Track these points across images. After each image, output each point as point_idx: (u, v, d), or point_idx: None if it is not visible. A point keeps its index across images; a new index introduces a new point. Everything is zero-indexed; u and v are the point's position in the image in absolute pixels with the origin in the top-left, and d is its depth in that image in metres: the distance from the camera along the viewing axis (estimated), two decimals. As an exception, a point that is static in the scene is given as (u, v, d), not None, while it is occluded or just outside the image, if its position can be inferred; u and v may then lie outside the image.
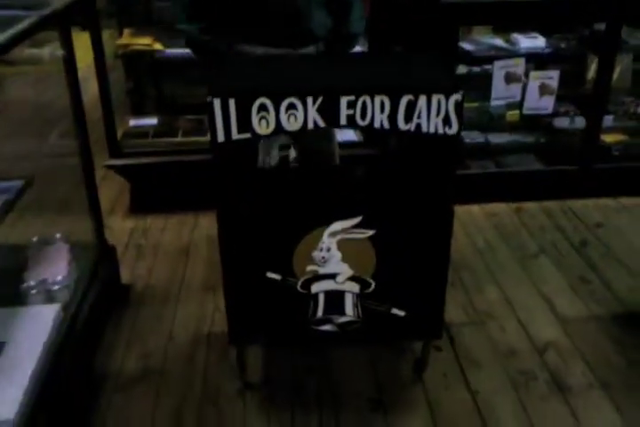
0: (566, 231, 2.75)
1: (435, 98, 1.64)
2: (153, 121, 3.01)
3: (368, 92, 1.63)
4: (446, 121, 1.66)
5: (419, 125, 1.67)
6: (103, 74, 2.66)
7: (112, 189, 3.03)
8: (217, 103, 1.61)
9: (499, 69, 2.61)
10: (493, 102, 2.72)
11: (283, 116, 1.64)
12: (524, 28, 2.77)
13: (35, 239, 2.17)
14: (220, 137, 1.65)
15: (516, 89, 2.68)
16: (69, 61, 2.09)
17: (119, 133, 2.86)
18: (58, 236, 2.18)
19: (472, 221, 2.81)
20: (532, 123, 3.01)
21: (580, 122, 2.90)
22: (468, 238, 2.68)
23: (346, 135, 2.84)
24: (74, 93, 2.15)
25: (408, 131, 1.67)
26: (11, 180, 2.14)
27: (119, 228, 2.76)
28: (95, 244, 2.27)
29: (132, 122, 2.99)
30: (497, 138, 3.04)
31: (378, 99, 1.64)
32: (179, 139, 2.88)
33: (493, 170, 2.91)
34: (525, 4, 2.49)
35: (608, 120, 2.92)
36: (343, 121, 1.67)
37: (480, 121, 2.85)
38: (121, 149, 2.80)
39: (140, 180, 2.88)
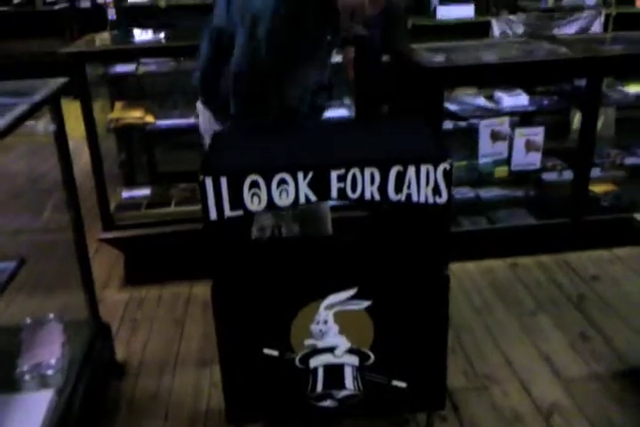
0: (563, 286, 2.73)
1: (423, 168, 1.66)
2: (146, 192, 3.03)
3: (358, 165, 1.65)
4: (436, 190, 1.68)
5: (409, 196, 1.69)
6: (95, 147, 2.69)
7: (106, 261, 3.01)
8: (209, 182, 1.63)
9: (484, 128, 2.66)
10: (481, 160, 2.76)
11: (274, 192, 1.65)
12: (507, 86, 2.84)
13: (28, 320, 2.14)
14: (213, 215, 1.66)
15: (502, 146, 2.73)
16: (60, 137, 2.12)
17: (112, 206, 2.86)
18: (51, 316, 2.15)
19: (468, 278, 2.80)
20: (521, 177, 3.04)
21: (569, 174, 2.93)
22: (465, 297, 2.66)
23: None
24: (66, 170, 2.17)
25: (399, 201, 1.69)
26: (3, 261, 2.15)
27: (114, 300, 2.73)
28: (89, 322, 2.24)
29: (125, 194, 3.01)
30: (487, 193, 3.07)
31: (368, 171, 1.66)
32: (172, 209, 2.90)
33: (486, 226, 2.93)
34: (507, 66, 2.55)
35: (595, 171, 2.95)
36: (334, 194, 1.68)
37: (469, 178, 2.88)
38: (114, 222, 2.80)
39: (133, 251, 2.88)
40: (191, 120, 2.88)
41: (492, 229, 2.91)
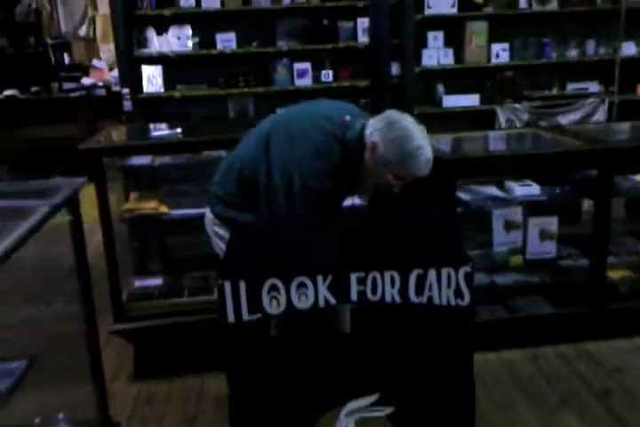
0: (586, 378, 2.65)
1: (444, 271, 1.66)
2: (158, 281, 3.01)
3: (377, 268, 1.65)
4: (458, 293, 1.67)
5: (430, 298, 1.67)
6: (109, 238, 2.70)
7: (116, 352, 2.94)
8: (227, 286, 1.62)
9: (497, 217, 2.67)
10: (496, 249, 2.75)
11: (293, 296, 1.64)
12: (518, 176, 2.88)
13: (37, 421, 2.08)
14: (231, 318, 1.64)
15: (516, 235, 2.73)
16: (76, 229, 2.13)
17: (124, 295, 2.84)
18: (60, 416, 2.09)
19: (489, 370, 2.71)
20: (537, 263, 3.01)
21: (585, 259, 2.91)
22: (486, 391, 2.57)
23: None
24: (81, 267, 2.18)
25: (420, 304, 1.67)
26: (13, 359, 2.12)
27: (123, 395, 2.64)
28: (99, 421, 2.17)
29: (138, 283, 2.99)
30: (503, 278, 3.03)
31: (388, 274, 1.65)
32: (184, 299, 2.86)
33: (504, 315, 2.87)
34: (518, 158, 2.60)
35: (610, 258, 2.93)
36: (354, 297, 1.67)
37: (484, 265, 2.86)
38: (126, 313, 2.76)
39: (144, 343, 2.82)
40: (205, 210, 2.89)
41: (511, 318, 2.85)
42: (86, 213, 2.54)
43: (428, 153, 1.94)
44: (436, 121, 4.32)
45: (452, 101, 4.27)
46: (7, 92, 5.87)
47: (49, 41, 6.28)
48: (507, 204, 2.73)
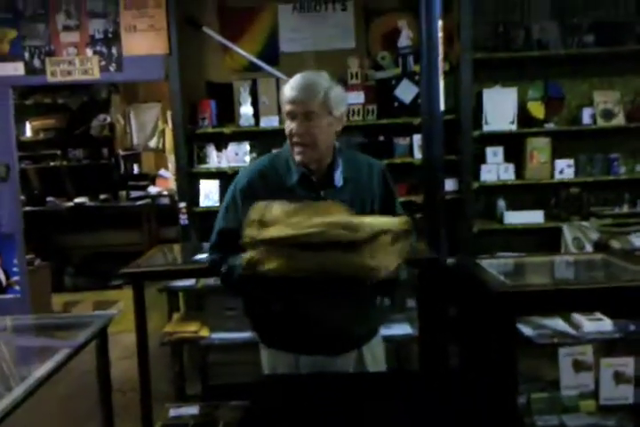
0: None
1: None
2: (194, 410, 2.82)
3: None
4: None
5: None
6: (145, 365, 2.59)
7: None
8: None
9: (565, 357, 2.39)
10: (564, 392, 2.44)
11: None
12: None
13: None
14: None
15: (587, 377, 2.42)
16: (101, 368, 2.03)
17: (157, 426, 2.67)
18: None
19: None
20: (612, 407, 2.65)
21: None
22: None
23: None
24: (104, 403, 2.05)
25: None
26: None
27: None
28: None
29: (173, 412, 2.81)
30: (573, 420, 2.68)
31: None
32: (218, 434, 2.66)
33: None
34: (589, 291, 2.35)
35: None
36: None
37: (551, 410, 2.53)
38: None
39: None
40: (246, 334, 2.77)
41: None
42: (130, 320, 2.48)
43: (297, 79, 1.91)
44: (498, 238, 4.15)
45: (514, 218, 4.09)
46: (77, 200, 6.13)
47: (121, 152, 6.62)
48: (575, 341, 2.46)
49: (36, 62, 4.33)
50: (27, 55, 4.32)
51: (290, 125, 1.89)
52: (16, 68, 4.32)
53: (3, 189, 4.39)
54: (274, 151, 2.17)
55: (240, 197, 1.93)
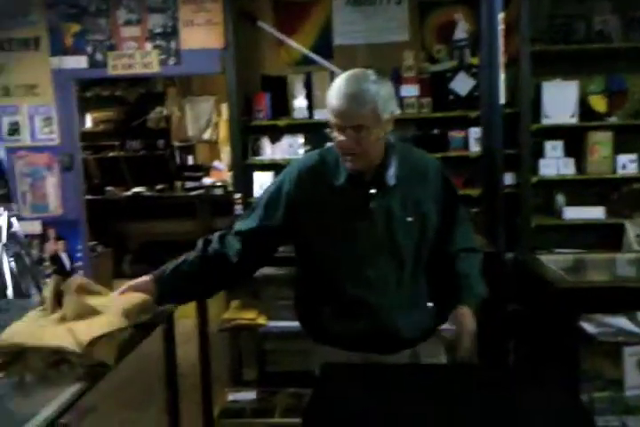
0: None
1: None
2: (251, 395, 2.90)
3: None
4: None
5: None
6: (205, 351, 2.65)
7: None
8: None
9: (630, 357, 2.35)
10: (628, 392, 2.40)
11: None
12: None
13: None
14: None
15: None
16: (169, 351, 2.09)
17: (216, 411, 2.74)
18: None
19: None
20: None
21: None
22: None
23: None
24: (169, 381, 2.12)
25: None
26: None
27: None
28: None
29: (231, 396, 2.90)
30: (637, 422, 2.63)
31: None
32: (275, 419, 2.72)
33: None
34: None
35: None
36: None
37: (615, 410, 2.49)
38: (216, 432, 2.65)
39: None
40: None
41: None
42: (191, 308, 2.55)
43: (341, 87, 1.71)
44: (557, 233, 4.07)
45: (573, 213, 4.00)
46: (135, 189, 6.30)
47: (176, 144, 6.76)
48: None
49: (98, 56, 4.46)
50: (89, 49, 4.45)
51: (337, 137, 1.74)
52: (79, 62, 4.46)
53: (67, 178, 4.56)
54: (327, 145, 2.05)
55: (287, 190, 1.84)
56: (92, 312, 1.51)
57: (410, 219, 1.82)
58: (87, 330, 1.43)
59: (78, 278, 1.65)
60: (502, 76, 2.83)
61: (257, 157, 4.37)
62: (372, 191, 1.81)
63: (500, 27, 2.82)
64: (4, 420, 1.36)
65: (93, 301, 1.57)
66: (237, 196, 4.24)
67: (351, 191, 1.81)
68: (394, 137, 1.86)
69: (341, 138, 1.73)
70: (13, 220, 3.99)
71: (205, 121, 6.72)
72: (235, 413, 2.79)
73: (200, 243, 1.92)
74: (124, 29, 4.44)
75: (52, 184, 4.55)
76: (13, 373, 1.38)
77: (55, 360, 1.41)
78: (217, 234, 1.92)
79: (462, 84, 4.18)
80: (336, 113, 1.71)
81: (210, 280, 1.91)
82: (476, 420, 1.46)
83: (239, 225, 1.91)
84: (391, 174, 1.82)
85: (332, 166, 1.84)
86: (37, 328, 1.44)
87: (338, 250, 1.82)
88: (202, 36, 4.38)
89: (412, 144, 2.00)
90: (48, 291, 1.57)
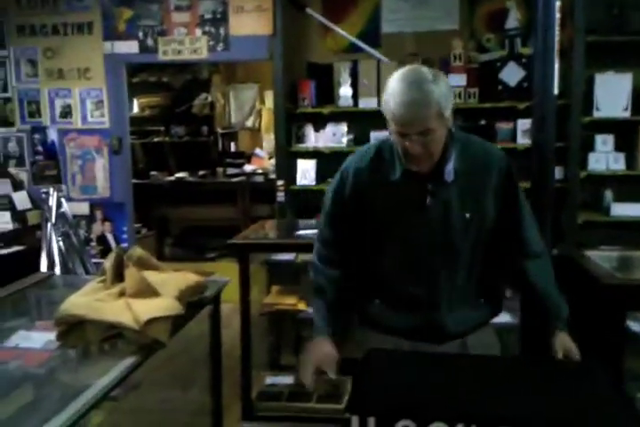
0: None
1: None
2: (289, 379, 2.93)
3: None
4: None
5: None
6: (247, 334, 2.71)
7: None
8: (355, 421, 1.48)
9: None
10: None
11: (427, 440, 1.45)
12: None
13: None
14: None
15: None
16: (214, 329, 2.14)
17: (254, 392, 2.79)
18: None
19: None
20: None
21: None
22: None
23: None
24: (214, 363, 2.17)
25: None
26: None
27: None
28: None
29: (269, 380, 2.93)
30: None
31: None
32: (312, 404, 2.75)
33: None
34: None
35: None
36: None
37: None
38: (253, 412, 2.70)
39: (268, 446, 2.72)
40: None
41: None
42: (232, 291, 2.60)
43: (400, 94, 1.63)
44: (603, 230, 3.98)
45: (621, 210, 3.91)
46: (178, 175, 6.39)
47: (219, 130, 6.82)
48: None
49: (149, 41, 4.52)
50: (140, 34, 4.52)
51: (401, 142, 1.69)
52: (130, 47, 4.54)
53: (115, 161, 4.67)
54: (381, 138, 1.95)
55: (348, 187, 1.84)
56: (151, 291, 1.56)
57: (468, 215, 1.77)
58: (146, 309, 1.47)
59: (138, 250, 1.69)
60: (557, 66, 2.77)
61: (300, 145, 4.39)
62: (429, 187, 1.76)
63: (557, 15, 2.76)
64: (59, 389, 1.42)
65: (152, 277, 1.62)
66: (280, 183, 4.27)
67: (407, 186, 1.77)
68: (454, 126, 1.79)
69: (406, 143, 1.67)
70: (63, 200, 4.10)
71: (249, 108, 6.76)
72: (272, 396, 2.83)
73: (319, 289, 1.91)
74: (174, 15, 4.50)
75: (100, 167, 4.66)
76: (71, 342, 1.43)
77: (112, 334, 1.45)
78: (321, 279, 1.90)
79: (512, 75, 4.11)
80: (400, 121, 1.65)
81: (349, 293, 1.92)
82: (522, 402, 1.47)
83: (322, 242, 1.92)
84: (450, 169, 1.75)
85: (388, 160, 1.80)
86: (97, 302, 1.49)
87: (393, 245, 1.81)
88: (251, 22, 4.40)
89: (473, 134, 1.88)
90: (109, 262, 1.61)
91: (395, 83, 1.67)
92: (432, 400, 1.51)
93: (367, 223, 1.83)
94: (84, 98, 4.62)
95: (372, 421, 1.45)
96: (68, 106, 4.63)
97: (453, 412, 1.43)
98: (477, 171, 1.78)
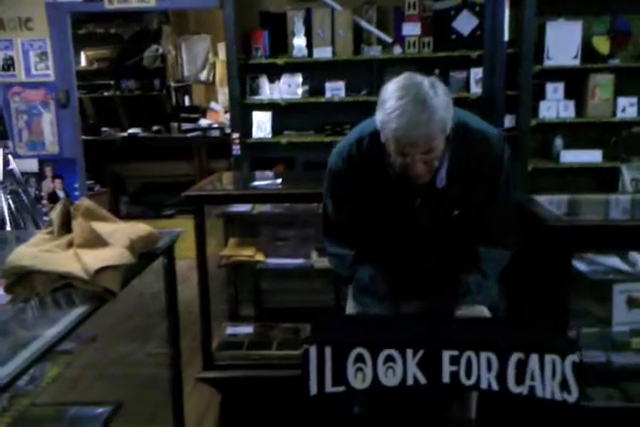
0: None
1: (548, 358, 1.48)
2: (249, 329, 2.98)
3: (473, 348, 1.51)
4: (564, 386, 1.47)
5: (532, 389, 1.49)
6: (204, 286, 2.71)
7: (204, 399, 2.91)
8: (313, 351, 1.56)
9: (619, 294, 2.41)
10: (615, 328, 2.47)
11: (380, 369, 1.54)
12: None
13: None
14: (313, 389, 1.57)
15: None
16: (169, 280, 2.14)
17: (214, 343, 2.83)
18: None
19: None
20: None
21: None
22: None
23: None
24: (170, 313, 2.18)
25: (520, 394, 1.50)
26: (99, 405, 2.14)
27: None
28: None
29: (229, 330, 2.97)
30: (621, 358, 2.71)
31: (484, 355, 1.51)
32: (272, 351, 2.80)
33: (621, 404, 2.54)
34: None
35: None
36: (446, 378, 1.53)
37: (601, 346, 2.57)
38: (214, 362, 2.74)
39: (231, 393, 2.78)
40: (300, 260, 2.88)
41: (629, 407, 2.52)
42: (188, 248, 2.59)
43: (403, 114, 1.54)
44: (553, 177, 4.09)
45: (571, 157, 4.01)
46: (131, 130, 6.24)
47: (172, 84, 6.64)
48: (630, 278, 2.46)
49: (94, -11, 4.32)
50: (84, -18, 4.31)
51: (401, 162, 1.63)
52: (74, -5, 4.34)
53: (63, 115, 4.51)
54: (362, 131, 1.83)
55: (340, 185, 1.86)
56: (100, 241, 1.54)
57: (456, 212, 1.80)
58: (95, 259, 1.46)
59: (86, 201, 1.66)
60: (507, 14, 2.78)
61: (255, 97, 4.32)
62: (420, 191, 1.76)
63: (508, -37, 2.75)
64: (8, 341, 1.40)
65: (101, 227, 1.60)
66: (235, 135, 4.22)
67: (397, 189, 1.77)
68: (453, 120, 1.66)
69: (408, 162, 1.62)
70: (10, 157, 3.98)
71: (202, 61, 6.57)
72: (232, 345, 2.87)
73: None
74: (119, -39, 4.29)
75: (48, 122, 4.51)
76: (20, 294, 1.42)
77: (61, 285, 1.44)
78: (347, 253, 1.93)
79: (465, 23, 4.09)
80: (404, 144, 1.58)
81: None
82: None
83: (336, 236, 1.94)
84: (442, 176, 1.73)
85: (375, 163, 1.74)
86: (45, 253, 1.47)
87: (382, 236, 1.88)
88: (199, -32, 4.25)
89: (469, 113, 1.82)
90: (55, 214, 1.58)
91: (394, 101, 1.56)
92: (384, 331, 1.60)
93: (361, 211, 1.86)
94: (26, 49, 4.41)
95: (328, 350, 1.54)
96: (11, 58, 4.43)
97: (403, 340, 1.51)
98: (471, 164, 1.75)
